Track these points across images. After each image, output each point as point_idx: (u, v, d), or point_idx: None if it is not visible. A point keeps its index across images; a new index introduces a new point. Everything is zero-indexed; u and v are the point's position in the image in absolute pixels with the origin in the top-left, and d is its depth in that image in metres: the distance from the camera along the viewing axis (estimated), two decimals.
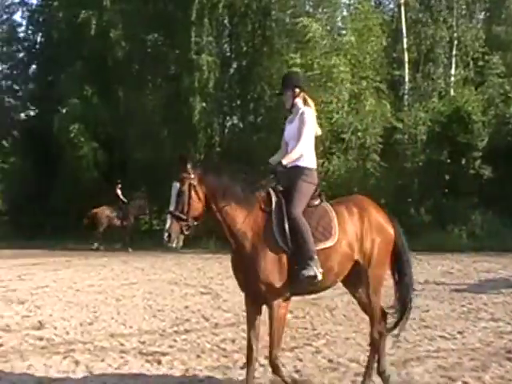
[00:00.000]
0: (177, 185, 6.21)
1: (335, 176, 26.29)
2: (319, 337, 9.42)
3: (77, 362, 8.25)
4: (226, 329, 10.25)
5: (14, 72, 45.21)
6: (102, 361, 8.26)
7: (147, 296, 14.04)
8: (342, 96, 26.36)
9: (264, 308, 6.54)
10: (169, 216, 6.17)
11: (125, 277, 17.95)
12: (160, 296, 14.05)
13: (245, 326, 9.49)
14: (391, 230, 6.81)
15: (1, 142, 41.61)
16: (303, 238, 6.21)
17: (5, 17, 46.07)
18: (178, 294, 14.34)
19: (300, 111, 6.76)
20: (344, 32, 29.11)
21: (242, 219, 6.29)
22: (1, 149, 41.41)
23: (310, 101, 6.91)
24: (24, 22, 45.48)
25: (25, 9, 44.90)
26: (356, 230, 6.58)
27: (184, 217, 6.11)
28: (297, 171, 6.62)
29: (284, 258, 6.21)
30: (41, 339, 9.73)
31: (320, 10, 31.73)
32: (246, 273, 6.32)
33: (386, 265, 6.84)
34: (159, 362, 8.15)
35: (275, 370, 6.40)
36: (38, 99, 41.11)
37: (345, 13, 31.51)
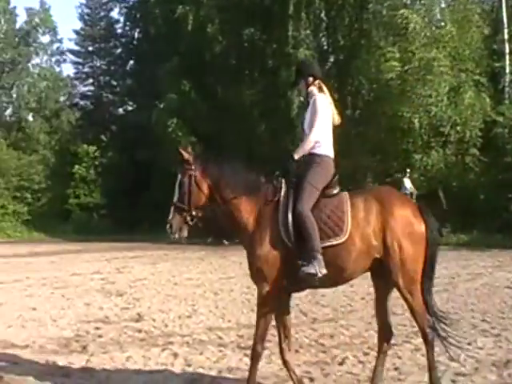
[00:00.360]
0: (179, 176, 6.34)
1: (434, 171, 26.73)
2: (418, 334, 8.96)
3: (175, 355, 8.36)
4: (325, 324, 10.20)
5: (112, 68, 47.77)
6: (201, 354, 8.33)
7: (245, 290, 13.91)
8: (440, 89, 26.60)
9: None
10: (172, 207, 6.30)
11: (223, 271, 18.26)
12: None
13: (344, 322, 10.13)
14: (421, 225, 6.26)
15: (99, 136, 43.25)
16: (308, 234, 6.06)
17: (102, 14, 48.57)
18: None
19: (312, 99, 6.52)
20: (443, 24, 29.21)
21: (249, 210, 6.31)
22: (99, 143, 42.93)
23: (325, 88, 6.66)
24: (121, 19, 48.04)
25: (122, 5, 47.63)
26: (374, 225, 6.18)
27: (186, 207, 6.25)
28: (310, 159, 6.42)
29: (284, 251, 6.11)
30: (139, 331, 9.92)
31: (418, 1, 31.60)
32: (248, 261, 6.39)
33: (419, 261, 6.26)
34: None
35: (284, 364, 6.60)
36: (136, 94, 43.16)
37: (443, 4, 31.39)
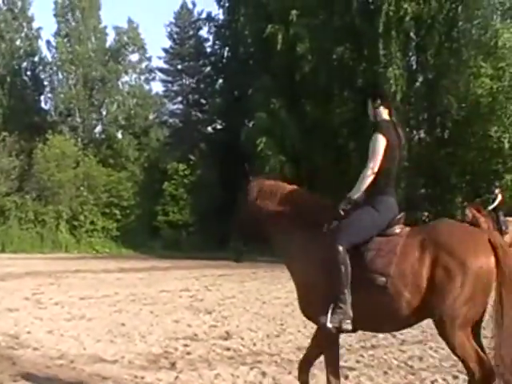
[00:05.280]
0: None
1: None
2: None
3: (264, 374, 8.61)
4: (414, 346, 10.40)
5: (201, 86, 50.00)
6: (289, 373, 8.42)
7: None
8: None
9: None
10: None
11: None
12: None
13: (433, 344, 10.20)
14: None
15: (188, 154, 45.10)
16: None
17: (191, 32, 50.99)
18: None
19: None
20: None
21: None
22: (188, 161, 44.80)
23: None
24: (210, 37, 50.48)
25: (211, 24, 49.82)
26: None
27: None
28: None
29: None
30: (228, 349, 10.23)
31: (509, 18, 32.69)
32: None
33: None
34: (346, 377, 8.17)
35: None
36: (225, 113, 45.21)
37: None
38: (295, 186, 7.00)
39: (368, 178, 6.07)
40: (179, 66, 51.32)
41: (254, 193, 6.94)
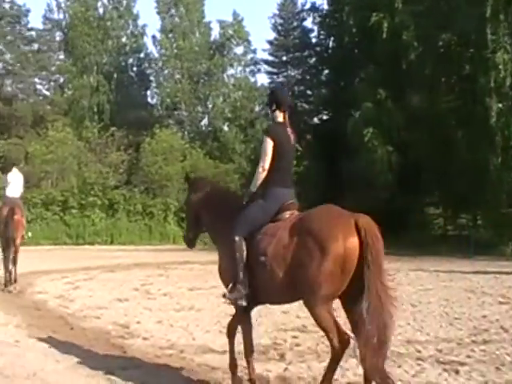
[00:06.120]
0: None
1: None
2: None
3: None
4: None
5: (307, 77, 50.30)
6: (399, 367, 8.43)
7: (443, 303, 14.18)
8: None
9: None
10: None
11: (420, 282, 18.50)
12: (456, 303, 14.23)
13: None
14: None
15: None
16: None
17: (295, 24, 51.36)
18: (475, 303, 14.43)
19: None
20: None
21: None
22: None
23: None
24: (315, 28, 50.63)
25: (315, 14, 49.74)
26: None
27: None
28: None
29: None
30: None
31: None
32: None
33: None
34: (457, 372, 8.22)
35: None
36: (331, 103, 45.29)
37: None
38: (219, 185, 9.33)
39: (260, 174, 7.25)
40: (284, 58, 51.87)
41: (191, 190, 8.41)
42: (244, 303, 7.14)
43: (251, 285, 7.09)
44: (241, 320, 7.67)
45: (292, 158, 7.54)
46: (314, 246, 6.46)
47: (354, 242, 6.39)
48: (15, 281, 17.38)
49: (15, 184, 17.80)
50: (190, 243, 8.60)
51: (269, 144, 7.16)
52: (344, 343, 6.62)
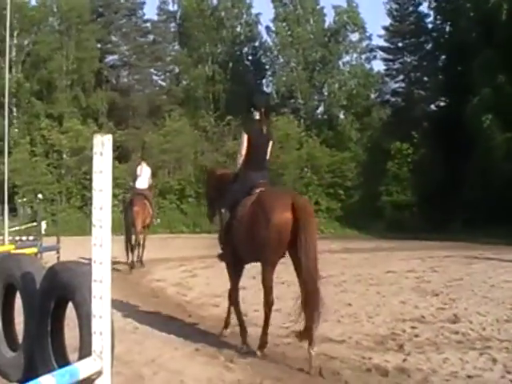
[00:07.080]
0: None
1: None
2: None
3: (494, 360, 8.46)
4: None
5: (423, 63, 49.47)
6: None
7: None
8: None
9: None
10: None
11: None
12: None
13: None
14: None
15: (410, 133, 44.64)
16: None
17: (411, 9, 50.66)
18: None
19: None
20: None
21: None
22: (411, 140, 44.48)
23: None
24: (431, 13, 49.72)
25: None
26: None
27: None
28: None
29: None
30: (456, 333, 10.18)
31: None
32: None
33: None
34: None
35: None
36: (448, 90, 44.38)
37: None
38: (225, 170, 11.68)
39: (239, 160, 9.78)
40: (400, 44, 51.13)
41: (208, 176, 12.08)
42: (228, 260, 9.94)
43: (232, 245, 9.50)
44: (229, 274, 10.20)
45: (265, 148, 9.91)
46: (261, 216, 8.66)
47: (288, 215, 8.48)
48: (141, 262, 20.15)
49: (144, 176, 20.63)
50: (211, 219, 11.50)
51: (244, 137, 9.74)
52: (270, 304, 9.03)
